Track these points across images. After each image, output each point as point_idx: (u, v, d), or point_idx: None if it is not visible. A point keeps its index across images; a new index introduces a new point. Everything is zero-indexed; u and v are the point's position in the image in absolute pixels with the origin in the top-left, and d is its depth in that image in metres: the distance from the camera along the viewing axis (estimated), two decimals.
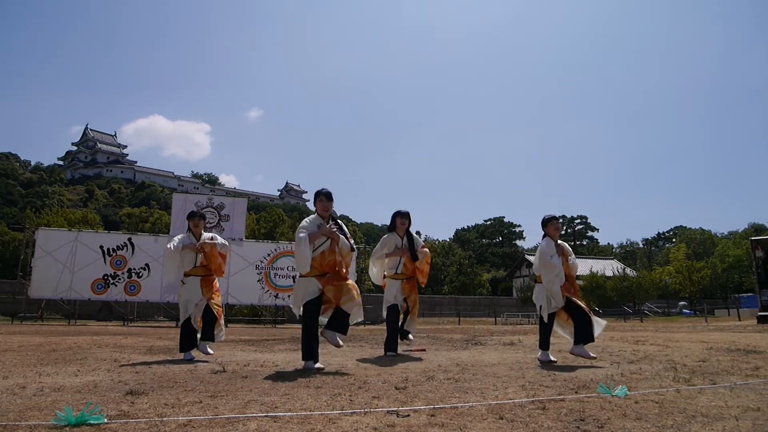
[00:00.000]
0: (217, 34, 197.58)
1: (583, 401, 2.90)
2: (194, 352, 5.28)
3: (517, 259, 54.43)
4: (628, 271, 40.86)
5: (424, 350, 6.26)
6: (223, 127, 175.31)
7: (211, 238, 5.42)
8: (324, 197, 4.61)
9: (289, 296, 19.37)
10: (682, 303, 38.36)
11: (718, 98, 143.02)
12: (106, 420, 2.37)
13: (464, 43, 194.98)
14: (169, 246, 5.25)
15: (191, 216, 5.49)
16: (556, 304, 5.02)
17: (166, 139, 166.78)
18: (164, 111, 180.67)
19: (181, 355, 5.23)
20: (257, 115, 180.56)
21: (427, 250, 5.93)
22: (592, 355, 4.94)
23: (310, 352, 4.40)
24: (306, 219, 4.61)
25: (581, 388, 3.33)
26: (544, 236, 5.28)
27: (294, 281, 19.29)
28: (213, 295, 5.34)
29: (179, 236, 5.43)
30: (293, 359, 5.25)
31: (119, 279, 17.74)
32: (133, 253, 18.02)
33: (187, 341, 5.22)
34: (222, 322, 5.43)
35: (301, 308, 4.45)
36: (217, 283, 5.51)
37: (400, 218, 5.84)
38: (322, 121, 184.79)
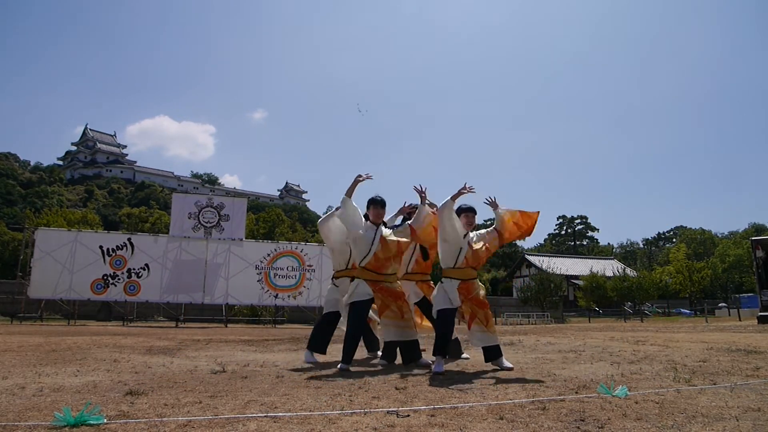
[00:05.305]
0: (222, 35, 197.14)
1: (583, 401, 2.89)
2: (320, 358, 4.96)
3: (517, 259, 54.42)
4: (628, 271, 40.88)
5: (424, 350, 6.25)
6: (228, 128, 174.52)
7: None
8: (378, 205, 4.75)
9: (288, 296, 19.38)
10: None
11: (719, 98, 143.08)
12: (105, 420, 2.37)
13: (465, 43, 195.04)
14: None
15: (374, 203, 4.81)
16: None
17: (170, 140, 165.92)
18: (170, 112, 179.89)
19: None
20: (261, 116, 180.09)
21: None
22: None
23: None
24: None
25: (581, 389, 3.32)
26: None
27: (296, 281, 19.66)
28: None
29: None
30: (293, 359, 5.25)
31: (119, 279, 17.74)
32: (132, 253, 18.03)
33: (315, 341, 4.95)
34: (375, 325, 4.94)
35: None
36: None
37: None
38: (324, 121, 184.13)
